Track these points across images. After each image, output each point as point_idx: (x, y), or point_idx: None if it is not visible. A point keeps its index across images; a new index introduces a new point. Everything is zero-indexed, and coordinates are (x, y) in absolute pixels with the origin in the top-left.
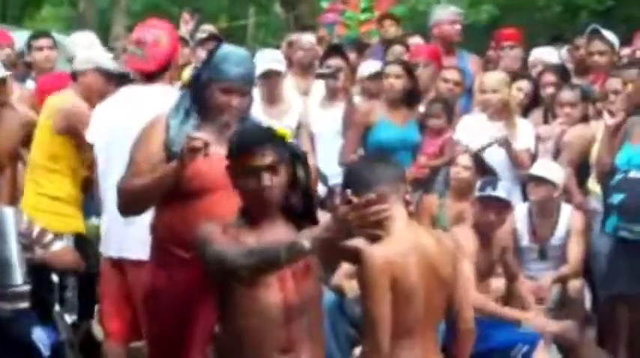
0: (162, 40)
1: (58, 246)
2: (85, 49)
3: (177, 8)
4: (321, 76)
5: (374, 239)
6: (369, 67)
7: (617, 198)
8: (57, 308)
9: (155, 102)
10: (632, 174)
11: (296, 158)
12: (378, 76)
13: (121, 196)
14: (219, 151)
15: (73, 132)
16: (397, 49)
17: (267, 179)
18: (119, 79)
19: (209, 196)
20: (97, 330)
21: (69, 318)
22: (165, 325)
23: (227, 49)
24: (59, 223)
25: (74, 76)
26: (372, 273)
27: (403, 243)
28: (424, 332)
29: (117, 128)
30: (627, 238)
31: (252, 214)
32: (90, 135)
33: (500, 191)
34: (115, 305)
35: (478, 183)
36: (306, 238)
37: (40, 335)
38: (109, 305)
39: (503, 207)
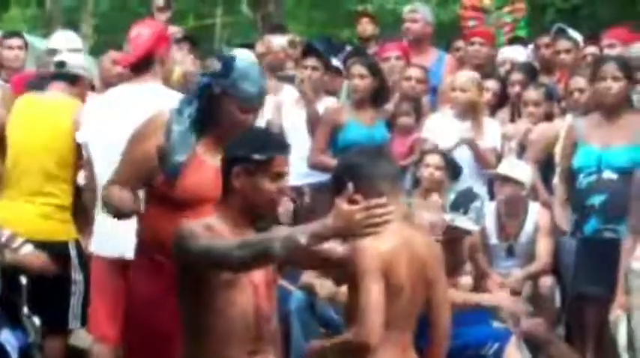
0: (144, 33)
1: (27, 249)
2: (71, 49)
3: (145, 8)
4: (282, 79)
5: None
6: None
7: (597, 199)
8: (25, 310)
9: (148, 101)
10: (607, 174)
11: None
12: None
13: (103, 199)
14: (214, 163)
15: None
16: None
17: (285, 184)
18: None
19: (200, 206)
20: (79, 336)
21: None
22: (143, 332)
23: (245, 64)
24: (66, 231)
25: (64, 76)
26: (367, 264)
27: (395, 239)
28: (404, 330)
29: (116, 129)
30: (607, 238)
31: (252, 218)
32: (82, 135)
33: (471, 215)
34: (107, 306)
35: (451, 198)
36: (302, 233)
37: (8, 338)
38: (101, 307)
39: (467, 233)
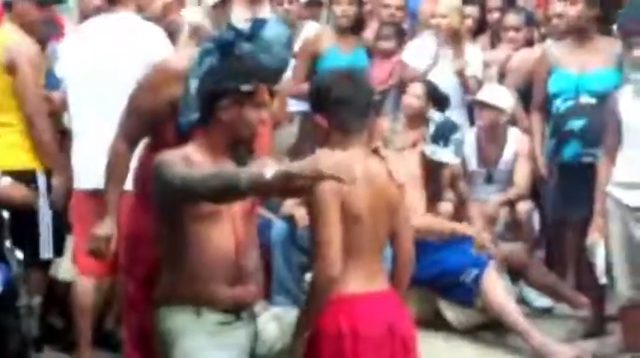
0: None
1: (4, 182)
2: None
3: None
4: None
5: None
6: None
7: (576, 124)
8: (7, 244)
9: (123, 32)
10: (585, 99)
11: None
12: (312, 3)
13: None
14: None
15: (16, 69)
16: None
17: (266, 114)
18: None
19: None
20: (63, 269)
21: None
22: (147, 262)
23: (273, 34)
24: (33, 160)
25: (7, 6)
26: (323, 195)
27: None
28: (369, 255)
29: (88, 61)
30: (586, 163)
31: (231, 147)
32: (60, 70)
33: (451, 147)
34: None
35: (431, 128)
36: (270, 169)
37: None
38: (82, 241)
39: (446, 165)
